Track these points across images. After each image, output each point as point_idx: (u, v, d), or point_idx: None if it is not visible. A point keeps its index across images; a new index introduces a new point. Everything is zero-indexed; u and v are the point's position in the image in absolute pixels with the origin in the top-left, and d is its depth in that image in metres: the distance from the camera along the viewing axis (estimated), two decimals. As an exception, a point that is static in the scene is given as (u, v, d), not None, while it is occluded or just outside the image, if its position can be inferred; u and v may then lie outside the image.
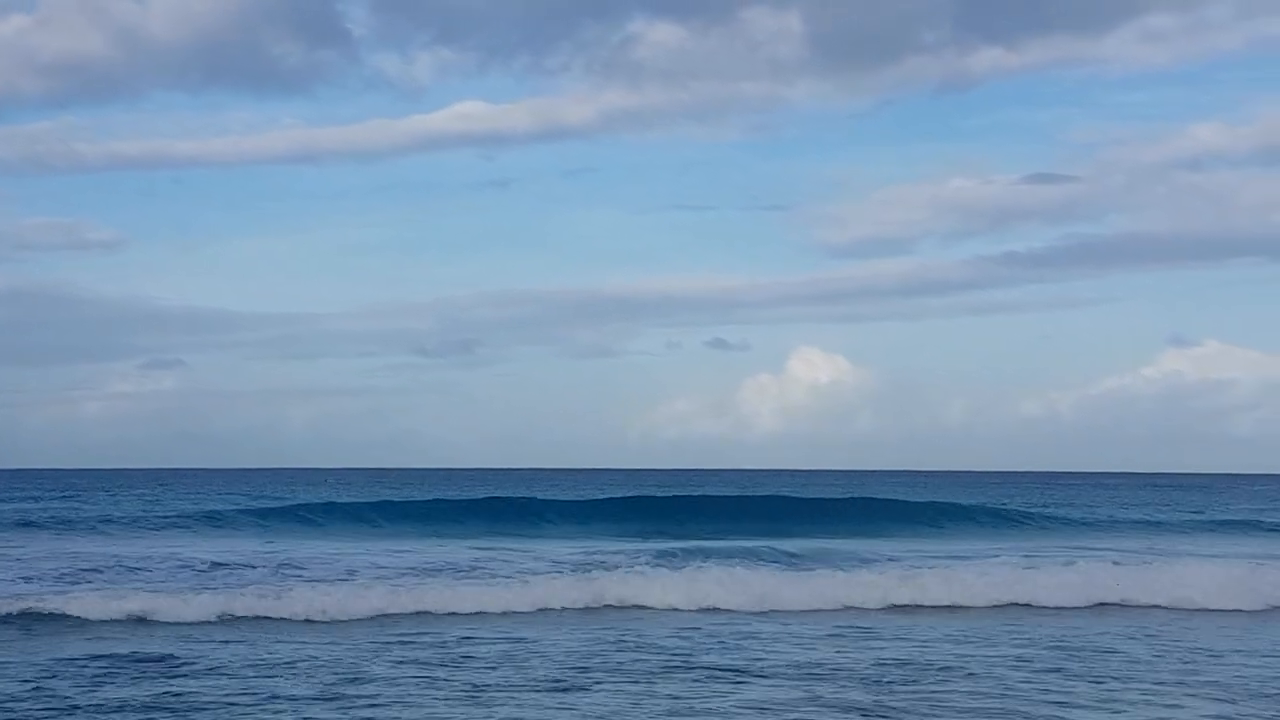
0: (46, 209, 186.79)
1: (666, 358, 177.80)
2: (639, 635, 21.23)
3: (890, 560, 33.28)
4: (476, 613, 23.91)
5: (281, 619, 22.80)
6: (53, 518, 51.16)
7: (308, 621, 22.69)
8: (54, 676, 17.12)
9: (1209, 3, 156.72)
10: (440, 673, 17.60)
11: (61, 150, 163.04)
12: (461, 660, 18.65)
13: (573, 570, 30.11)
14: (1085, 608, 25.86)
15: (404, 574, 29.28)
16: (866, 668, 18.17)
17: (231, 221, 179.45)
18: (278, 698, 15.79)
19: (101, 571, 29.80)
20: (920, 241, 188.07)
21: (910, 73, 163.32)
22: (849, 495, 73.87)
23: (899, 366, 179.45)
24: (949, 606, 25.61)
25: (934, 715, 15.12)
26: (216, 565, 31.39)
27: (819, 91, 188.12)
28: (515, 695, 16.09)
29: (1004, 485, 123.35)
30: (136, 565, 31.20)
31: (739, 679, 17.29)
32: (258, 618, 22.85)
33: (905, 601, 25.77)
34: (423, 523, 49.25)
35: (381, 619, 23.15)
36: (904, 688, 16.68)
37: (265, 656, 18.80)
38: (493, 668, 18.03)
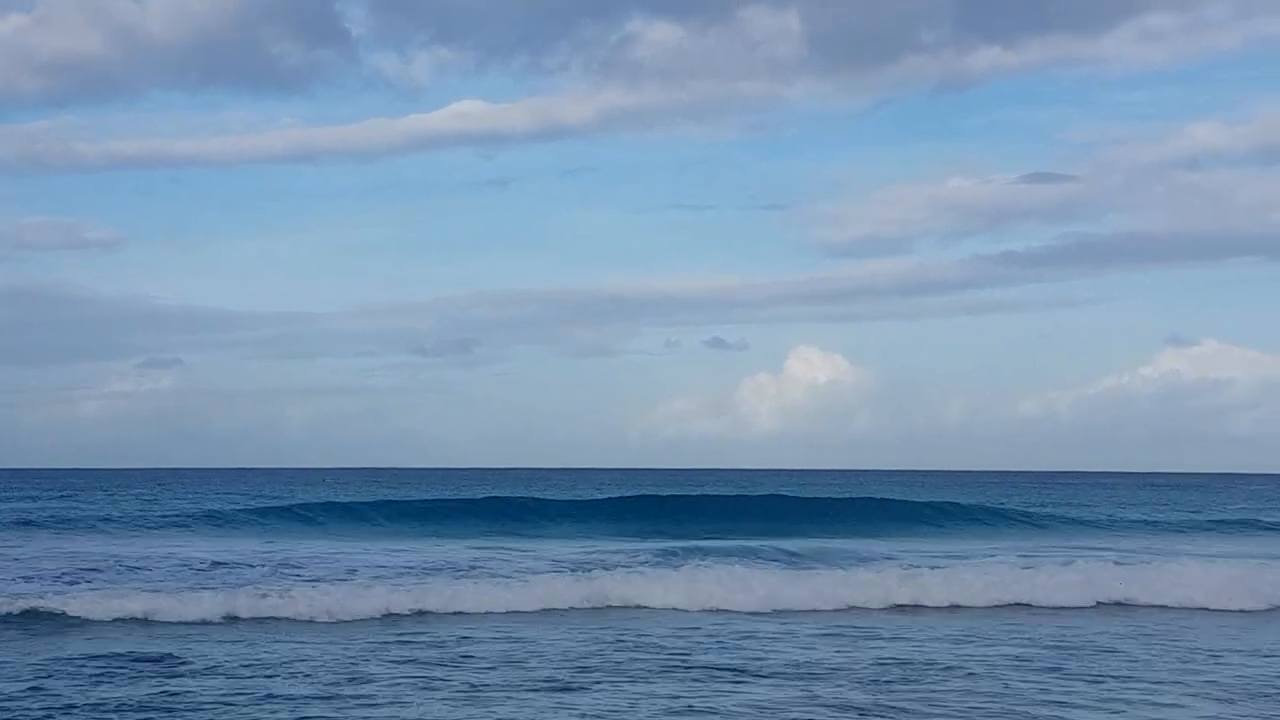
0: (45, 208, 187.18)
1: (665, 357, 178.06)
2: (638, 635, 21.21)
3: (890, 560, 33.26)
4: (475, 612, 23.89)
5: (280, 618, 22.77)
6: (51, 517, 51.09)
7: (307, 621, 22.66)
8: (51, 676, 17.10)
9: (1207, 2, 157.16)
10: (439, 672, 17.58)
11: (60, 149, 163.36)
12: (460, 660, 18.63)
13: (572, 570, 30.08)
14: (1084, 607, 25.85)
15: (403, 573, 29.27)
16: (866, 667, 18.16)
17: (230, 221, 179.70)
18: (275, 697, 15.77)
19: (100, 571, 29.77)
20: (919, 241, 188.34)
21: (909, 72, 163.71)
22: (848, 495, 73.91)
23: (897, 366, 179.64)
24: (948, 606, 25.60)
25: (933, 715, 15.11)
26: (216, 564, 31.36)
27: (817, 91, 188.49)
28: (514, 695, 16.07)
29: (1002, 485, 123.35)
30: (135, 565, 31.18)
31: (738, 679, 17.27)
32: (256, 617, 22.82)
33: (905, 601, 25.76)
34: (422, 522, 49.23)
35: (381, 619, 23.13)
36: (903, 687, 16.67)
37: (263, 656, 18.77)
38: (492, 667, 18.01)
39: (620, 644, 20.16)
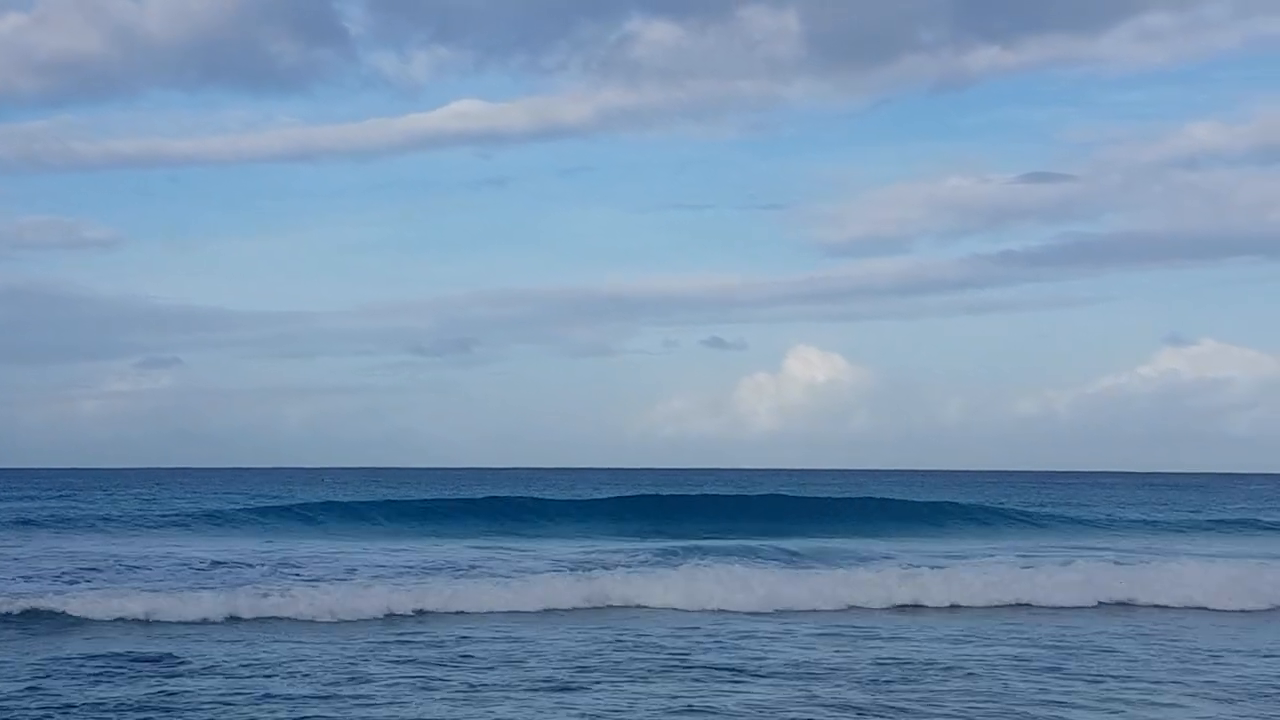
0: (43, 207, 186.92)
1: (663, 357, 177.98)
2: (638, 635, 21.20)
3: (889, 559, 33.24)
4: (475, 612, 23.88)
5: (279, 618, 22.76)
6: (50, 516, 51.07)
7: (306, 621, 22.65)
8: (49, 675, 17.09)
9: (1206, 1, 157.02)
10: (438, 672, 17.57)
11: (58, 149, 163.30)
12: (460, 660, 18.62)
13: (572, 570, 30.07)
14: (1084, 607, 25.84)
15: (403, 573, 29.25)
16: (865, 667, 18.15)
17: (228, 220, 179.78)
18: (273, 697, 15.76)
19: (99, 570, 29.75)
20: (917, 240, 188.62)
21: (907, 72, 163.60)
22: (847, 495, 73.92)
23: (896, 365, 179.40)
24: (948, 606, 25.59)
25: (933, 715, 15.10)
26: (215, 564, 31.35)
27: (816, 90, 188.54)
28: (514, 695, 16.06)
29: (1001, 484, 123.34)
30: (134, 564, 31.16)
31: (738, 678, 17.26)
32: (256, 617, 22.80)
33: (904, 601, 25.75)
34: (421, 522, 49.22)
35: (380, 618, 23.11)
36: (903, 687, 16.66)
37: (262, 656, 18.77)
38: (491, 667, 18.00)
39: (620, 644, 20.16)
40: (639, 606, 24.99)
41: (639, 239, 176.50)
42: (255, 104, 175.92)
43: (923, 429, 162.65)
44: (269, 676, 17.12)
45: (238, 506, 58.53)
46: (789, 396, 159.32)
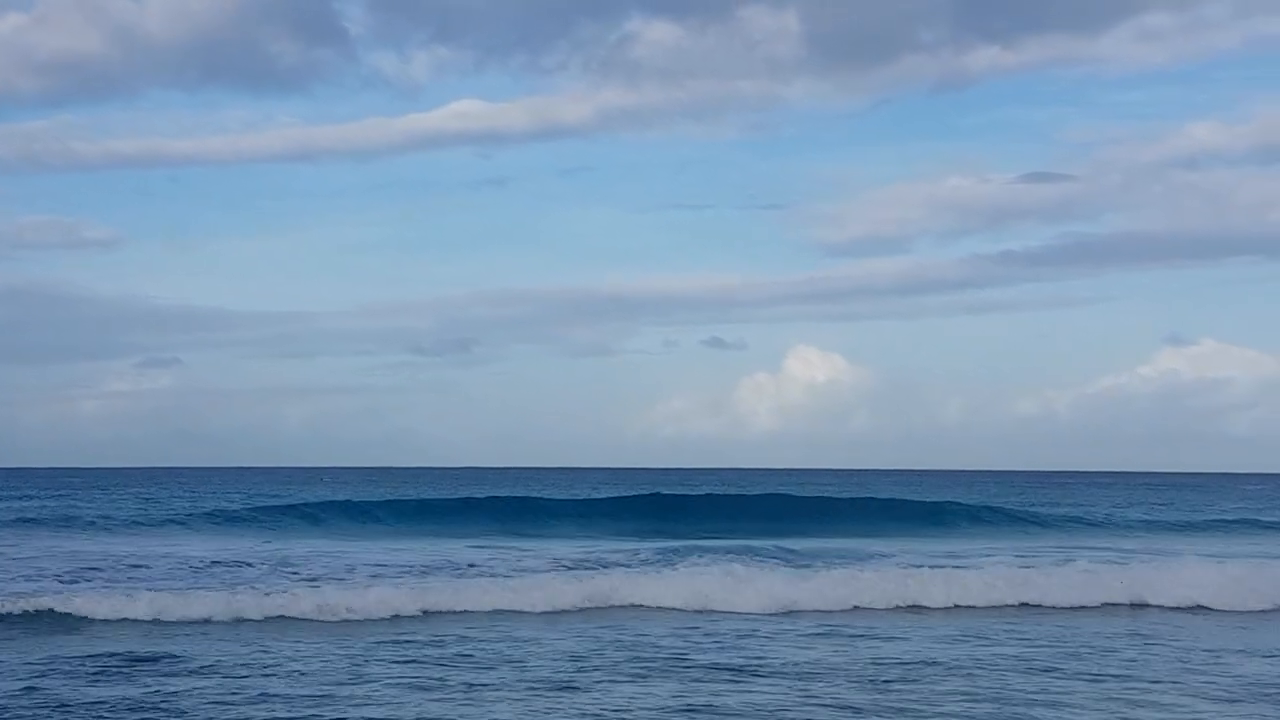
0: (43, 207, 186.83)
1: (663, 357, 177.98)
2: (638, 635, 21.17)
3: (889, 559, 33.23)
4: (475, 612, 23.85)
5: (279, 618, 22.73)
6: (50, 516, 51.07)
7: (305, 620, 22.62)
8: (47, 675, 17.07)
9: (1206, 1, 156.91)
10: (437, 672, 17.54)
11: (58, 149, 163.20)
12: (459, 659, 18.60)
13: (572, 569, 30.06)
14: (1084, 607, 25.79)
15: (402, 572, 29.24)
16: (865, 667, 18.13)
17: (228, 220, 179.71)
18: (271, 697, 15.73)
19: (99, 570, 29.74)
20: (917, 240, 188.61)
21: (907, 71, 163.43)
22: (847, 494, 73.90)
23: (896, 365, 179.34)
24: (948, 606, 25.55)
25: (932, 715, 15.07)
26: (214, 563, 31.35)
27: (816, 90, 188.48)
28: (514, 695, 16.04)
29: (1000, 484, 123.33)
30: (134, 564, 31.16)
31: (737, 678, 17.24)
32: (255, 617, 22.76)
33: (904, 601, 25.69)
34: (421, 521, 49.20)
35: (380, 618, 23.07)
36: (902, 687, 16.64)
37: (261, 655, 18.74)
38: (491, 667, 17.98)
39: (620, 644, 20.13)
40: (639, 606, 24.95)
41: (639, 239, 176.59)
42: (255, 104, 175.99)
43: (923, 429, 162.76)
44: (268, 676, 17.10)
45: (237, 506, 58.54)
46: (789, 396, 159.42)
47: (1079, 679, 17.35)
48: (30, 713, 14.88)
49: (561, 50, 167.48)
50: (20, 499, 70.28)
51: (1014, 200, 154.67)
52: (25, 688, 16.21)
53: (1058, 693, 16.36)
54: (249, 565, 30.99)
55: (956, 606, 25.55)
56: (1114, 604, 26.23)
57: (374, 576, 27.95)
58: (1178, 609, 25.72)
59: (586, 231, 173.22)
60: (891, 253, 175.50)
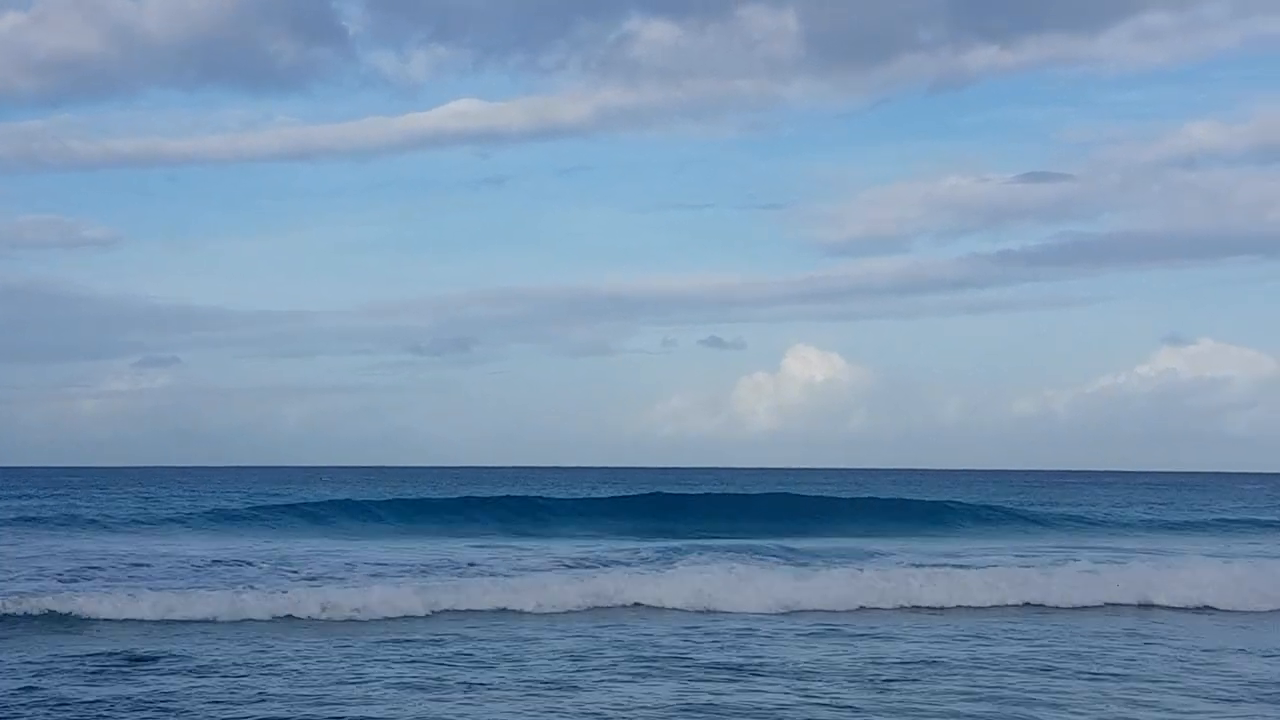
0: (41, 206, 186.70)
1: (662, 356, 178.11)
2: (638, 634, 21.16)
3: (889, 559, 33.21)
4: (475, 611, 23.83)
5: (279, 617, 22.71)
6: (49, 515, 51.04)
7: (305, 619, 22.60)
8: (46, 674, 17.05)
9: (1205, 1, 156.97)
10: (438, 672, 17.52)
11: (56, 148, 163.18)
12: (459, 658, 18.58)
13: (572, 568, 30.05)
14: (1085, 607, 25.76)
15: (402, 572, 29.21)
16: (865, 667, 18.11)
17: (227, 219, 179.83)
18: (270, 696, 15.72)
19: (99, 569, 29.71)
20: (915, 240, 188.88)
21: (906, 71, 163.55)
22: (847, 494, 73.89)
23: (894, 365, 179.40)
24: (948, 606, 25.53)
25: (933, 715, 15.06)
26: (214, 562, 31.32)
27: (815, 90, 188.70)
28: (514, 695, 16.02)
29: (999, 484, 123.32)
30: (134, 563, 31.13)
31: (737, 678, 17.22)
32: (255, 616, 22.74)
33: (904, 600, 25.66)
34: (420, 520, 49.19)
35: (380, 617, 23.04)
36: (903, 687, 16.61)
37: (260, 654, 18.72)
38: (491, 667, 17.96)
39: (620, 643, 20.11)
40: (640, 606, 24.94)
41: (638, 238, 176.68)
42: (254, 103, 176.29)
43: (921, 428, 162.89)
44: (267, 675, 17.08)
45: (237, 505, 58.54)
46: (787, 396, 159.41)
47: (1080, 679, 17.33)
48: (28, 711, 14.86)
49: (560, 50, 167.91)
50: (19, 498, 70.24)
51: (1012, 200, 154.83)
52: (24, 687, 16.19)
53: (1058, 693, 16.34)
54: (249, 564, 30.96)
55: (957, 606, 25.51)
56: (1114, 603, 26.16)
57: (374, 576, 27.93)
58: (1180, 608, 25.67)
59: (585, 231, 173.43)
60: (890, 252, 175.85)
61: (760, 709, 15.23)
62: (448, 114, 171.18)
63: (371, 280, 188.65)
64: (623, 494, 67.26)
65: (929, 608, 25.30)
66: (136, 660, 18.15)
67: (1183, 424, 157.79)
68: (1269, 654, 20.01)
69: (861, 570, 28.27)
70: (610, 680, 16.98)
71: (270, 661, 18.14)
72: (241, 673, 17.27)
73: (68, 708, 15.07)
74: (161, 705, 15.22)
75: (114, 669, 17.52)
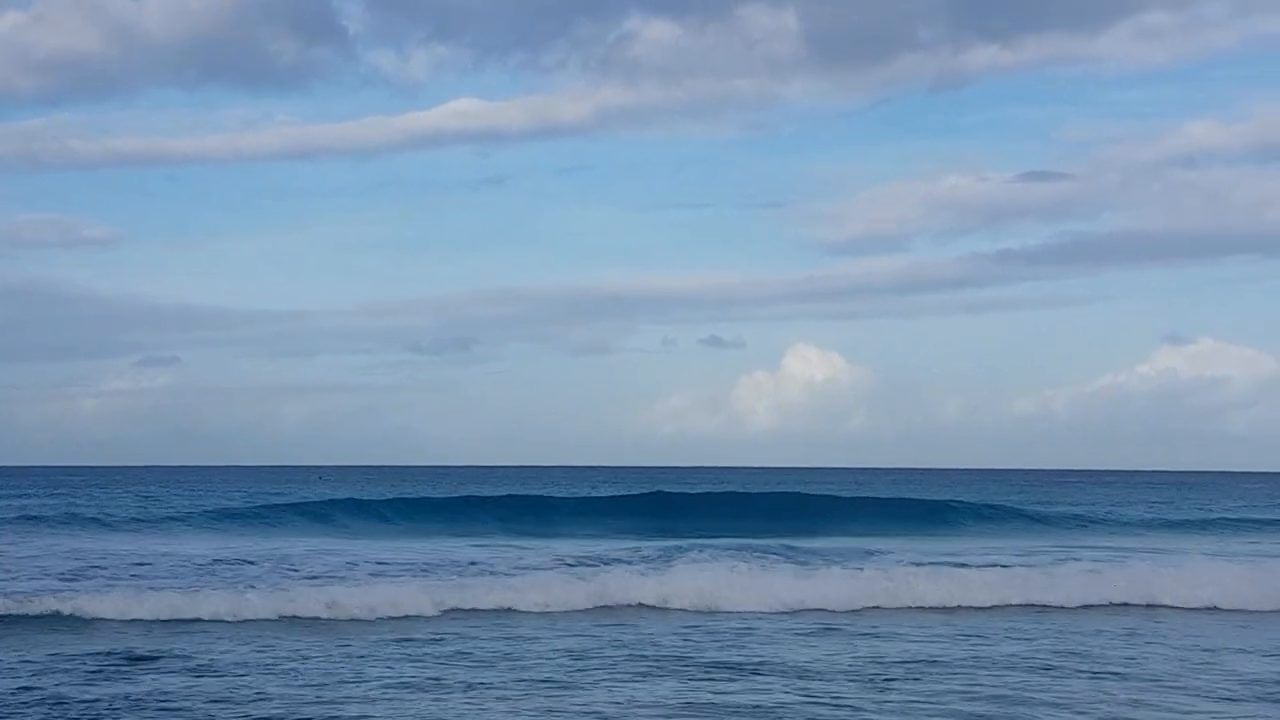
0: (41, 206, 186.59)
1: (662, 355, 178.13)
2: (638, 633, 21.16)
3: (889, 558, 33.20)
4: (475, 610, 23.84)
5: (279, 616, 22.71)
6: (49, 515, 51.02)
7: (305, 619, 22.59)
8: (46, 673, 17.05)
9: (1205, 0, 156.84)
10: (437, 671, 17.52)
11: (56, 147, 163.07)
12: (459, 658, 18.58)
13: (573, 567, 30.05)
14: (1085, 607, 25.76)
15: (404, 571, 29.22)
16: (866, 666, 18.11)
17: (227, 219, 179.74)
18: (271, 695, 15.72)
19: (99, 568, 29.71)
20: (915, 239, 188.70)
21: (905, 70, 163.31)
22: (847, 493, 73.89)
23: (894, 364, 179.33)
24: (948, 605, 25.52)
25: (933, 715, 15.06)
26: (215, 561, 31.33)
27: (815, 89, 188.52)
28: (514, 694, 16.02)
29: (999, 483, 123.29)
30: (134, 562, 31.13)
31: (738, 677, 17.22)
32: (255, 616, 22.74)
33: (905, 600, 25.66)
34: (422, 519, 49.20)
35: (380, 617, 23.05)
36: (903, 687, 16.61)
37: (260, 653, 18.72)
38: (491, 666, 17.96)
39: (620, 643, 20.12)
40: (640, 605, 24.93)
41: (638, 238, 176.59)
42: (254, 103, 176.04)
43: (921, 428, 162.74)
44: (267, 674, 17.08)
45: (237, 504, 58.51)
46: (787, 395, 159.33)
47: (1080, 678, 17.33)
48: (27, 710, 14.86)
49: (560, 49, 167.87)
50: (20, 497, 70.25)
51: (1012, 199, 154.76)
52: (23, 686, 16.19)
53: (1059, 692, 16.34)
54: (249, 563, 30.97)
55: (957, 606, 25.51)
56: (1114, 603, 26.14)
57: (374, 575, 27.94)
58: (1180, 608, 25.63)
59: (585, 230, 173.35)
60: (890, 251, 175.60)
61: (761, 708, 15.23)
62: (448, 113, 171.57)
63: (371, 280, 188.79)
64: (623, 493, 67.26)
65: (929, 608, 25.29)
66: (136, 659, 18.15)
67: (1183, 423, 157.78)
68: (1269, 653, 20.01)
69: (862, 569, 28.28)
70: (611, 679, 16.98)
71: (270, 661, 18.14)
72: (242, 671, 17.27)
73: (66, 705, 15.08)
74: (161, 704, 15.21)
75: (113, 668, 17.52)
